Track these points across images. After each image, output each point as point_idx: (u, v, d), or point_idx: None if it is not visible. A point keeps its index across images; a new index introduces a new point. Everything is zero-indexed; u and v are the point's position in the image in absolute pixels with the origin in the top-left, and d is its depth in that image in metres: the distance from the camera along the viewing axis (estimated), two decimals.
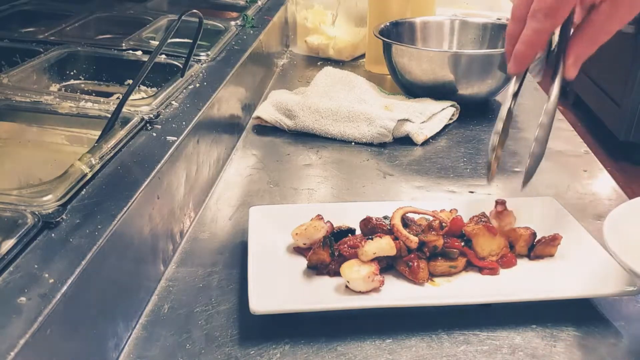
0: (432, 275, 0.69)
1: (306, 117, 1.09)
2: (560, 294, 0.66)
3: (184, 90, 0.91)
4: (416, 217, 0.76)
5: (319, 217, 0.73)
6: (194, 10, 0.84)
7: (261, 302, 0.61)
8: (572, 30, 0.64)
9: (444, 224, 0.74)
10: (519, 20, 0.63)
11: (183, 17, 0.81)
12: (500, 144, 0.70)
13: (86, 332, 0.53)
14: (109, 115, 0.74)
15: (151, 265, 0.68)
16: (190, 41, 0.90)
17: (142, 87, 1.04)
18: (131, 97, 0.76)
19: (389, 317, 0.65)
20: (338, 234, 0.73)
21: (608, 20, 0.60)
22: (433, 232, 0.71)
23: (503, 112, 0.70)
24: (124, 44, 1.08)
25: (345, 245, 0.70)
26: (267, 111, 1.12)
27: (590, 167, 1.01)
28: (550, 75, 0.66)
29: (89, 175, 0.64)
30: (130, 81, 1.03)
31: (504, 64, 0.69)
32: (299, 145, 1.06)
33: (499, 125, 0.70)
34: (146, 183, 0.65)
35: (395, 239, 0.70)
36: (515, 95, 0.70)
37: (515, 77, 0.70)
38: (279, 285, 0.66)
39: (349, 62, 1.53)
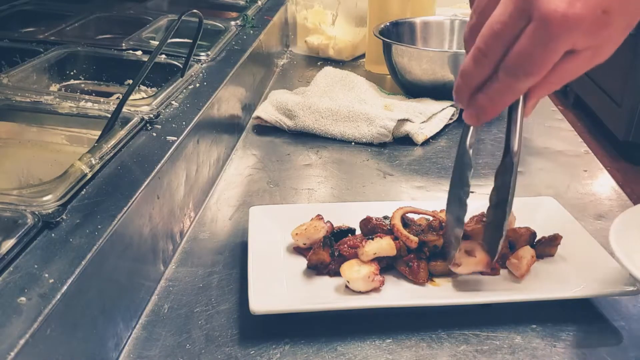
0: (432, 275, 0.69)
1: (306, 117, 1.09)
2: (560, 294, 0.66)
3: (184, 90, 0.91)
4: (416, 217, 0.76)
5: (319, 217, 0.73)
6: (194, 10, 0.84)
7: (261, 302, 0.61)
8: None
9: (444, 224, 0.74)
10: (484, 63, 0.51)
11: (183, 17, 0.81)
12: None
13: (86, 332, 0.53)
14: (109, 115, 0.74)
15: (151, 265, 0.68)
16: (190, 41, 0.90)
17: (142, 87, 1.04)
18: (131, 97, 0.76)
19: (389, 317, 0.65)
20: (338, 234, 0.73)
21: (583, 67, 0.51)
22: (433, 232, 0.71)
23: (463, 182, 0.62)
24: (124, 44, 1.08)
25: (345, 245, 0.70)
26: (267, 111, 1.12)
27: (590, 167, 1.01)
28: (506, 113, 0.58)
29: (89, 175, 0.64)
30: (130, 81, 1.03)
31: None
32: (299, 145, 1.06)
33: (460, 213, 0.62)
34: (146, 183, 0.65)
35: (395, 239, 0.70)
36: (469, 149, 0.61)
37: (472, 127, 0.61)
38: (279, 285, 0.66)
39: (349, 62, 1.53)
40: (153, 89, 1.03)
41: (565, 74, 0.51)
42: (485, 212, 0.64)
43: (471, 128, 0.60)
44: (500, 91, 0.52)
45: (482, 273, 0.70)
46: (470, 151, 0.61)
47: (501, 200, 0.61)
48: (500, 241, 0.62)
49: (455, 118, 1.17)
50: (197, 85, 0.95)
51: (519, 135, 0.58)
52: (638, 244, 0.62)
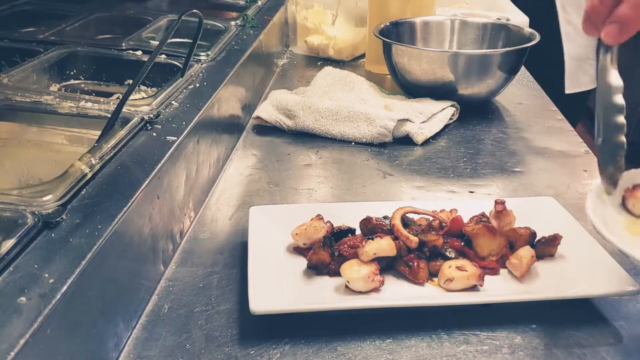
0: (432, 275, 0.69)
1: (306, 117, 1.09)
2: (560, 294, 0.66)
3: (184, 90, 0.91)
4: (416, 217, 0.76)
5: (319, 217, 0.73)
6: (194, 10, 0.84)
7: (261, 302, 0.61)
8: None
9: (444, 224, 0.74)
10: None
11: (183, 17, 0.81)
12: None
13: (86, 332, 0.53)
14: (109, 115, 0.74)
15: (151, 265, 0.68)
16: (190, 41, 0.90)
17: (142, 87, 1.04)
18: (131, 97, 0.76)
19: (389, 317, 0.65)
20: (338, 234, 0.73)
21: None
22: (433, 232, 0.71)
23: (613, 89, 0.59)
24: (124, 44, 1.08)
25: (345, 245, 0.70)
26: (267, 111, 1.12)
27: (591, 167, 1.01)
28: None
29: (89, 175, 0.64)
30: (130, 81, 1.03)
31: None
32: (299, 145, 1.06)
33: (618, 117, 0.59)
34: (146, 183, 0.65)
35: (395, 239, 0.70)
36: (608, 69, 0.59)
37: (605, 50, 0.60)
38: (279, 285, 0.66)
39: (349, 62, 1.53)
40: (153, 89, 1.03)
41: None
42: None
43: (609, 50, 0.60)
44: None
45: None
46: (614, 74, 0.59)
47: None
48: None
49: (455, 118, 1.17)
50: (197, 85, 0.95)
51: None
52: (613, 214, 0.63)
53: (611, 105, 0.59)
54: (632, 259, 0.57)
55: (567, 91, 2.03)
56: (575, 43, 1.99)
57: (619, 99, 0.59)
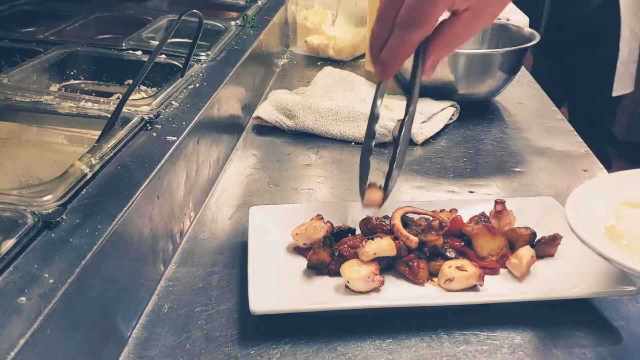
0: (432, 275, 0.69)
1: (306, 117, 1.09)
2: (560, 293, 0.66)
3: (184, 90, 0.91)
4: (416, 217, 0.76)
5: (319, 217, 0.73)
6: (194, 10, 0.84)
7: (261, 302, 0.61)
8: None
9: (443, 224, 0.74)
10: (385, 23, 0.60)
11: (183, 17, 0.81)
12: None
13: (86, 332, 0.53)
14: (109, 115, 0.74)
15: (151, 265, 0.68)
16: (190, 41, 0.90)
17: (142, 87, 1.04)
18: (131, 97, 0.76)
19: (389, 317, 0.65)
20: (338, 234, 0.73)
21: (468, 28, 0.60)
22: (433, 232, 0.71)
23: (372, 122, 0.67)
24: (124, 44, 1.08)
25: (345, 245, 0.70)
26: (267, 111, 1.12)
27: (591, 167, 1.01)
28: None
29: (89, 175, 0.64)
30: (130, 81, 1.03)
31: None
32: (299, 145, 1.06)
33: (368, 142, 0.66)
34: (146, 183, 0.65)
35: (396, 239, 0.70)
36: (381, 94, 0.67)
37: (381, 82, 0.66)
38: (279, 285, 0.66)
39: (349, 62, 1.53)
40: (153, 89, 1.03)
41: (454, 35, 0.60)
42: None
43: (381, 84, 0.66)
44: (397, 44, 0.59)
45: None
46: (379, 103, 0.67)
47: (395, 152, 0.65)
48: (390, 184, 0.66)
49: (455, 118, 1.17)
50: (197, 85, 0.95)
51: (416, 95, 0.64)
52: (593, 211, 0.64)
53: (369, 132, 0.67)
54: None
55: (614, 94, 2.04)
56: (629, 45, 2.00)
57: (373, 127, 0.67)
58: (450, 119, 1.16)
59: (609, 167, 1.70)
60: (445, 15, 0.60)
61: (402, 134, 0.65)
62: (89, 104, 0.81)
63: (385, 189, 0.66)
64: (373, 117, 0.67)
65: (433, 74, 0.64)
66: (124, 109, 0.75)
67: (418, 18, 0.57)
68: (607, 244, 0.59)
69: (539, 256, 0.72)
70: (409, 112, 0.65)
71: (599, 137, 2.18)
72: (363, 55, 1.53)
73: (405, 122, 0.65)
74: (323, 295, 0.66)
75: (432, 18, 0.57)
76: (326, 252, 0.69)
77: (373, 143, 0.67)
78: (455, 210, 0.78)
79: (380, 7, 0.60)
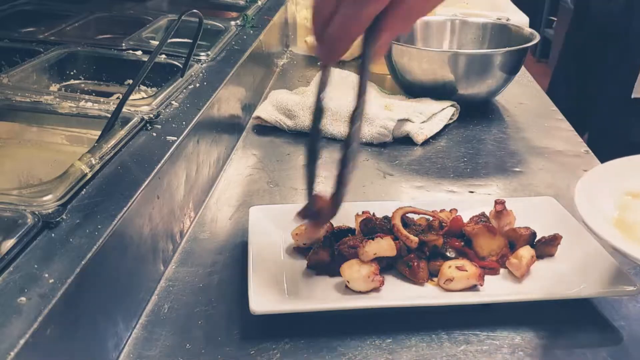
0: (432, 275, 0.69)
1: (306, 117, 1.09)
2: (560, 294, 0.66)
3: (184, 90, 0.91)
4: (416, 217, 0.76)
5: None
6: (194, 10, 0.84)
7: (261, 302, 0.61)
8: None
9: (444, 224, 0.74)
10: None
11: (183, 17, 0.81)
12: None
13: (86, 332, 0.53)
14: (109, 115, 0.74)
15: (151, 265, 0.68)
16: (190, 41, 0.90)
17: (142, 87, 1.04)
18: (131, 97, 0.76)
19: (389, 317, 0.65)
20: (338, 234, 0.73)
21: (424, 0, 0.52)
22: (433, 232, 0.71)
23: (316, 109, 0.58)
24: (123, 44, 1.08)
25: (345, 245, 0.70)
26: (267, 111, 1.12)
27: (591, 167, 1.01)
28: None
29: (89, 175, 0.64)
30: (130, 81, 1.03)
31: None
32: (299, 145, 1.06)
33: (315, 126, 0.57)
34: (146, 183, 0.65)
35: (396, 239, 0.70)
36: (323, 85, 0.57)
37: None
38: (279, 285, 0.66)
39: (349, 62, 1.53)
40: (153, 89, 1.03)
41: (410, 10, 0.51)
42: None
43: (326, 70, 0.57)
44: (347, 18, 0.50)
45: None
46: (324, 94, 0.57)
47: (347, 151, 0.58)
48: (342, 195, 0.58)
49: (455, 118, 1.17)
50: (197, 85, 0.95)
51: (366, 79, 0.57)
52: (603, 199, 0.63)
53: (314, 131, 0.58)
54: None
55: (633, 95, 2.03)
56: None
57: (318, 125, 0.58)
58: (450, 119, 1.16)
59: None
60: None
61: (351, 129, 0.56)
62: (89, 104, 0.81)
63: (337, 196, 0.58)
64: (317, 113, 0.58)
65: (385, 52, 0.55)
66: (124, 109, 0.75)
67: None
68: (627, 241, 0.58)
69: (539, 256, 0.72)
70: (359, 103, 0.56)
71: (616, 145, 2.16)
72: None
73: (355, 116, 0.56)
74: (323, 295, 0.66)
75: None
76: (326, 252, 0.69)
77: (319, 145, 0.58)
78: (456, 210, 0.78)
79: None
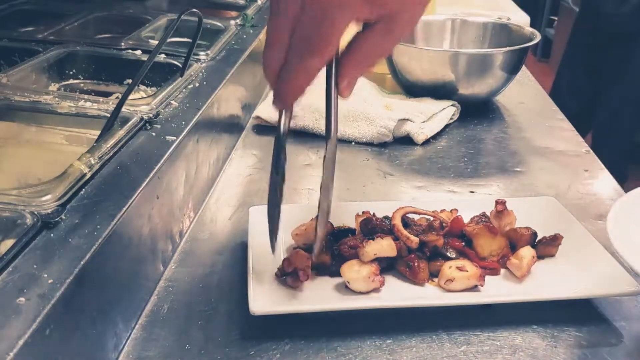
0: (432, 275, 0.69)
1: (306, 117, 1.09)
2: (560, 294, 0.66)
3: (184, 90, 0.91)
4: (416, 217, 0.76)
5: None
6: (194, 10, 0.84)
7: (261, 302, 0.61)
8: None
9: (444, 224, 0.74)
10: (278, 46, 0.50)
11: (182, 17, 0.80)
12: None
13: (86, 332, 0.52)
14: (108, 115, 0.74)
15: (150, 265, 0.68)
16: (190, 40, 0.90)
17: (142, 87, 1.04)
18: (130, 97, 0.76)
19: (389, 317, 0.65)
20: (338, 234, 0.73)
21: (383, 41, 0.51)
22: (433, 232, 0.71)
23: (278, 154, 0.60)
24: (123, 44, 1.08)
25: (346, 245, 0.70)
26: (267, 111, 1.12)
27: (591, 167, 1.01)
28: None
29: (88, 175, 0.64)
30: (130, 81, 1.02)
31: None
32: (299, 145, 1.06)
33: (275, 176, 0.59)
34: (145, 183, 0.65)
35: (396, 239, 0.69)
36: (285, 135, 0.59)
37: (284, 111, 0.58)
38: (279, 286, 0.66)
39: None
40: (152, 88, 1.03)
41: (368, 52, 0.52)
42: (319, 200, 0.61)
43: (283, 112, 0.58)
44: (293, 73, 0.51)
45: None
46: (282, 133, 0.59)
47: (324, 187, 0.60)
48: (324, 225, 0.61)
49: (455, 118, 1.17)
50: (197, 84, 0.94)
51: (334, 119, 0.56)
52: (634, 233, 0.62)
53: (277, 170, 0.60)
54: None
55: None
56: None
57: (281, 162, 0.60)
58: (451, 118, 1.16)
59: (623, 182, 1.68)
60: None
61: (323, 177, 0.58)
62: (88, 104, 0.81)
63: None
64: (280, 152, 0.59)
65: (350, 93, 0.54)
66: (123, 109, 0.75)
67: (314, 42, 0.48)
68: None
69: (540, 256, 0.72)
70: (328, 149, 0.57)
71: (619, 145, 2.15)
72: None
73: (325, 162, 0.57)
74: (323, 295, 0.66)
75: (330, 41, 0.48)
76: (326, 253, 0.69)
77: (284, 188, 0.60)
78: (456, 210, 0.78)
79: (270, 25, 0.51)
